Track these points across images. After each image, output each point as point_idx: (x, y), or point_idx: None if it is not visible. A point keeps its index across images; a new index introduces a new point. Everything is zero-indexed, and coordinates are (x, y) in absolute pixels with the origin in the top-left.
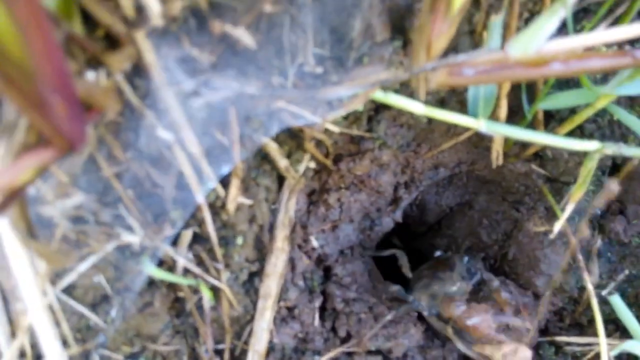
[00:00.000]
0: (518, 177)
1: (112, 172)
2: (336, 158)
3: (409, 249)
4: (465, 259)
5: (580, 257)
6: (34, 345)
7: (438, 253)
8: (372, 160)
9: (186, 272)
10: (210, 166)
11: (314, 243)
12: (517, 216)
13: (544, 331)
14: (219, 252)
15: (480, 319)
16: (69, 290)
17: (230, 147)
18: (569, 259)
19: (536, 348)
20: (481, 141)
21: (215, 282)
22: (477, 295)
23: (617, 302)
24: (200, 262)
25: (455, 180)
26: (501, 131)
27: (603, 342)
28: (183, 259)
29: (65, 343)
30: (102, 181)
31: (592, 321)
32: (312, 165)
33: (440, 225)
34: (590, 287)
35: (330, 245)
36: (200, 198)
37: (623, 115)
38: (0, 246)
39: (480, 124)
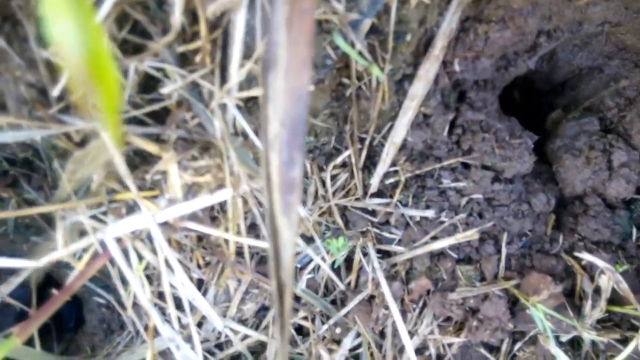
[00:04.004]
0: None
1: None
2: None
3: (526, 105)
4: None
5: None
6: None
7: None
8: None
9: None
10: None
11: (456, 67)
12: None
13: None
14: (390, 43)
15: None
16: None
17: None
18: None
19: (628, 202)
20: (635, 2)
21: (379, 71)
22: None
23: None
24: (372, 50)
25: (593, 42)
26: None
27: None
28: (360, 44)
29: None
30: None
31: None
32: None
33: (564, 86)
34: None
35: (469, 73)
36: None
37: None
38: None
39: None
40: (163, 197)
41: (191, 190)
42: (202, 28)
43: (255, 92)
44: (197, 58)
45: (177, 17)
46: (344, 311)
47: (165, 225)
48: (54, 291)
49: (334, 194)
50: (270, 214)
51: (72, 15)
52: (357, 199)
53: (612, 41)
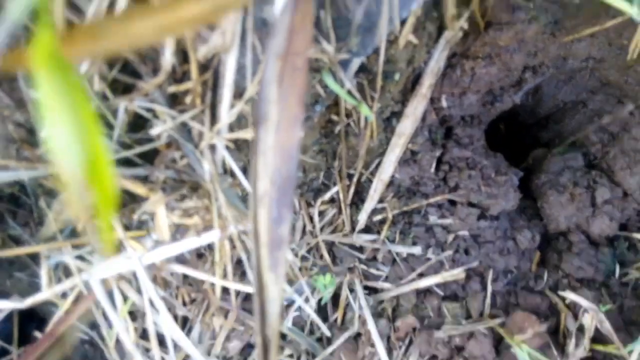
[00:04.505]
0: None
1: None
2: (487, 24)
3: (512, 138)
4: None
5: None
6: None
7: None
8: (516, 33)
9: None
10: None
11: (444, 103)
12: (628, 120)
13: (623, 226)
14: (379, 82)
15: None
16: None
17: None
18: None
19: (612, 240)
20: (618, 38)
21: (367, 110)
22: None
23: None
24: (361, 89)
25: (577, 77)
26: None
27: None
28: (349, 83)
29: None
30: None
31: None
32: (465, 25)
33: (548, 120)
34: None
35: (456, 108)
36: (383, 26)
37: None
38: None
39: (634, 10)
40: (150, 237)
41: (178, 230)
42: (193, 71)
43: (244, 133)
44: (188, 99)
45: (167, 58)
46: (329, 349)
47: (151, 265)
48: (37, 334)
49: (321, 229)
50: (257, 269)
51: (71, 121)
52: (344, 235)
53: (595, 76)
